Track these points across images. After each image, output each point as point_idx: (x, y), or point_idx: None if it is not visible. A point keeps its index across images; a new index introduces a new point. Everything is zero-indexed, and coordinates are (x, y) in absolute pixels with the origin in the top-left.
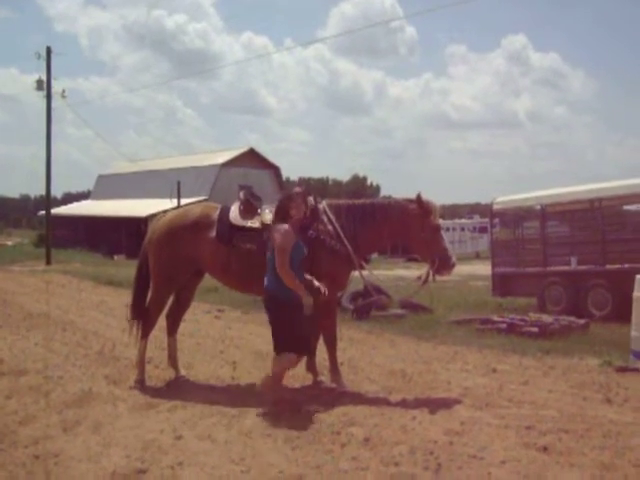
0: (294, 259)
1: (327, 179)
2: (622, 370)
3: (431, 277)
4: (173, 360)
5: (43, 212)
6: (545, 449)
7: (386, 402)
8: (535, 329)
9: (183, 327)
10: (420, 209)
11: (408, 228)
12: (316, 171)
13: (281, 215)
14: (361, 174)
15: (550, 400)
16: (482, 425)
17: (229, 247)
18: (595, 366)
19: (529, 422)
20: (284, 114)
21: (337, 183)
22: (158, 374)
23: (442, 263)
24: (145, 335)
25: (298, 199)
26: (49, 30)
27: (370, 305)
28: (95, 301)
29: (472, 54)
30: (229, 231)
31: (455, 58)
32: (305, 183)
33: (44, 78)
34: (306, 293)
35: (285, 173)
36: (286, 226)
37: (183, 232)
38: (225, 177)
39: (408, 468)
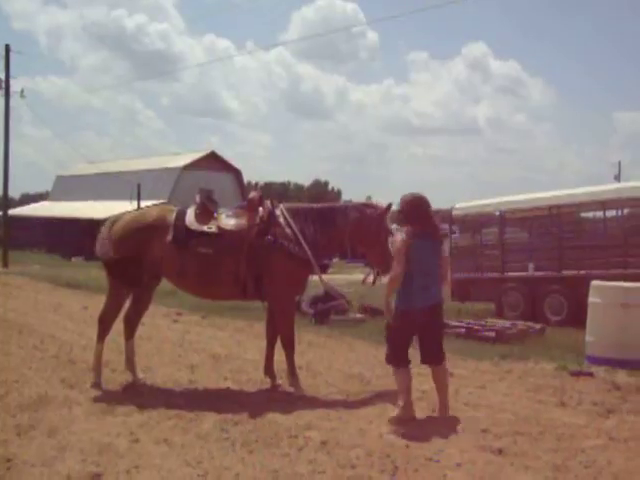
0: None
1: (289, 183)
2: (576, 374)
3: (379, 279)
4: (130, 364)
5: (0, 213)
6: (500, 451)
7: (344, 406)
8: (492, 334)
9: (141, 331)
10: (384, 214)
11: (367, 232)
12: (278, 175)
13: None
14: (323, 179)
15: (506, 403)
16: (438, 428)
17: (184, 251)
18: (550, 370)
19: (485, 425)
20: (245, 117)
21: (299, 187)
22: (115, 378)
23: (390, 265)
24: (101, 339)
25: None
26: (7, 28)
27: (329, 309)
28: (52, 303)
29: (433, 61)
30: (185, 235)
31: (416, 64)
32: (267, 187)
33: (1, 76)
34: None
35: (247, 177)
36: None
37: (139, 235)
38: (186, 180)
39: (365, 471)
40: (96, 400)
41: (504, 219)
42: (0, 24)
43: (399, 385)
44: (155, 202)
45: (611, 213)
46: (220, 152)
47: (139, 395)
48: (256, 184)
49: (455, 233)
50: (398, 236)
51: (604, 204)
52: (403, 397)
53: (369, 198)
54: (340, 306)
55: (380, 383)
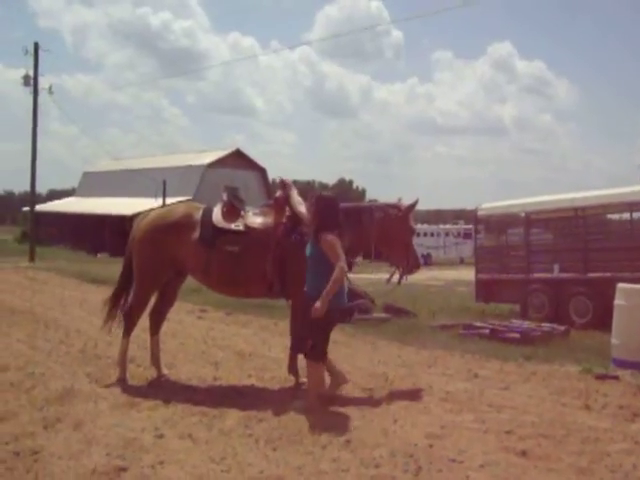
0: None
1: (313, 182)
2: (601, 377)
3: (404, 277)
4: (155, 359)
5: (27, 209)
6: (524, 454)
7: (367, 405)
8: (517, 335)
9: (166, 327)
10: (407, 214)
11: (392, 231)
12: (302, 174)
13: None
14: (347, 177)
15: (530, 405)
16: (462, 429)
17: (211, 249)
18: (575, 373)
19: (509, 427)
20: (270, 116)
21: (323, 186)
22: (140, 373)
23: (414, 263)
24: (127, 334)
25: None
26: (33, 26)
27: (353, 309)
28: (78, 299)
29: (458, 60)
30: (212, 233)
31: (441, 64)
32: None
33: (30, 73)
34: None
35: (272, 175)
36: None
37: (165, 232)
38: (211, 178)
39: (388, 470)
40: (121, 395)
41: (530, 220)
42: (27, 22)
43: (315, 380)
44: (180, 199)
45: (638, 215)
46: (245, 150)
47: (164, 390)
48: (279, 181)
49: (480, 233)
50: (328, 234)
51: (631, 206)
52: (318, 391)
53: (400, 200)
54: (364, 305)
55: (404, 383)
